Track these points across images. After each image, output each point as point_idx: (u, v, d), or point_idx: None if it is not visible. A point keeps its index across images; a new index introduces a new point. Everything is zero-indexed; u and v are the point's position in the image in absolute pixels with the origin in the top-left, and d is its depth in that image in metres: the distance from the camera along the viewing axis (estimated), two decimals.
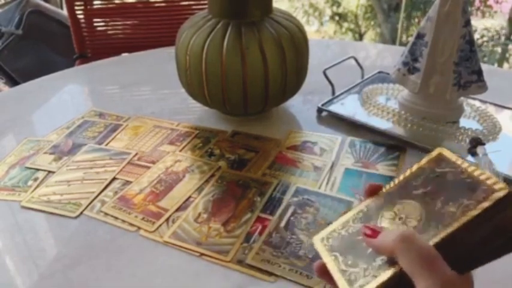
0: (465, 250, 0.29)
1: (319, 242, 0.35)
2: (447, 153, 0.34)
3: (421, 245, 0.28)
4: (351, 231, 0.34)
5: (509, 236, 0.28)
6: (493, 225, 0.28)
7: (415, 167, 0.35)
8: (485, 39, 2.63)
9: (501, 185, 0.28)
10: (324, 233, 0.36)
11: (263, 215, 0.55)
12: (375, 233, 0.31)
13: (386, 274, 0.29)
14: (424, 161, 0.35)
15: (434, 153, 0.35)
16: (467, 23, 0.66)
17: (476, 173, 0.31)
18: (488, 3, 2.66)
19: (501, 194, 0.28)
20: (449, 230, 0.28)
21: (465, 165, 0.32)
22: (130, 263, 0.50)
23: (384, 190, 0.36)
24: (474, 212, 0.28)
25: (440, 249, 0.28)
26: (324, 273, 0.33)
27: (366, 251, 0.32)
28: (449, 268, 0.27)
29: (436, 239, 0.28)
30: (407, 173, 0.35)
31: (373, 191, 0.36)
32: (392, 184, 0.35)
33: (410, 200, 0.33)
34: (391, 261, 0.29)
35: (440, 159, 0.34)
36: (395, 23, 2.80)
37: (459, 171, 0.32)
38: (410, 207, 0.32)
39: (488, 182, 0.29)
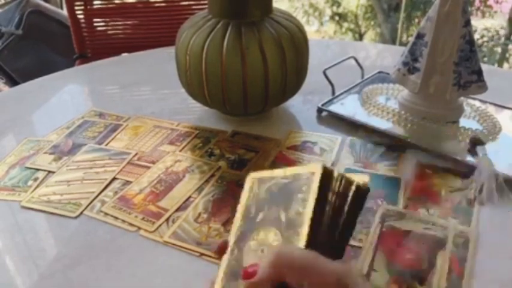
0: (332, 234, 0.30)
1: None
2: (259, 173, 0.35)
3: (291, 256, 0.28)
4: None
5: (351, 200, 0.31)
6: (334, 200, 0.30)
7: (243, 201, 0.35)
8: (485, 39, 2.64)
9: (314, 166, 0.31)
10: None
11: None
12: (252, 268, 0.29)
13: None
14: (245, 191, 0.35)
15: (248, 181, 0.35)
16: (467, 23, 0.66)
17: (293, 171, 0.32)
18: (488, 3, 2.67)
19: (318, 174, 0.30)
20: (305, 225, 0.29)
21: (279, 172, 0.33)
22: (130, 263, 0.50)
23: (231, 241, 0.34)
24: (311, 200, 0.29)
25: (312, 247, 0.28)
26: None
27: None
28: (328, 261, 0.27)
29: (302, 241, 0.29)
30: (240, 210, 0.34)
31: (223, 250, 0.34)
32: (234, 230, 0.34)
33: (259, 231, 0.32)
34: None
35: (259, 180, 0.34)
36: (395, 23, 2.80)
37: (280, 178, 0.33)
38: (263, 235, 0.32)
39: (307, 170, 0.31)
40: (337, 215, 0.30)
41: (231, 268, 0.33)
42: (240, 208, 0.35)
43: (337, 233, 0.31)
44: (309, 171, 0.31)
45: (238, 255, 0.33)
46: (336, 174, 0.31)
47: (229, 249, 0.34)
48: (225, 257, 0.34)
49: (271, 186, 0.33)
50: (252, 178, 0.35)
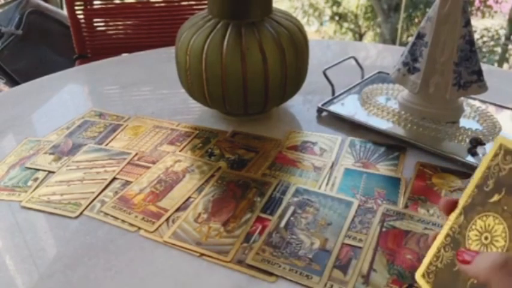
0: None
1: (422, 279, 0.33)
2: (508, 142, 0.29)
3: None
4: (445, 263, 0.31)
5: None
6: None
7: (482, 167, 0.30)
8: (485, 39, 2.64)
9: None
10: (423, 267, 0.33)
11: (263, 215, 0.55)
12: (469, 257, 0.29)
13: None
14: (488, 157, 0.30)
15: (495, 146, 0.29)
16: (467, 23, 0.66)
17: None
18: (488, 3, 2.67)
19: None
20: None
21: None
22: (130, 263, 0.50)
23: (460, 204, 0.32)
24: None
25: None
26: None
27: (466, 283, 0.29)
28: None
29: None
30: (477, 176, 0.31)
31: (450, 207, 0.33)
32: (466, 195, 0.31)
33: (488, 213, 0.29)
34: None
35: (506, 152, 0.29)
36: (395, 23, 2.80)
37: None
38: (491, 221, 0.28)
39: None
40: None
41: (452, 234, 0.31)
42: (479, 170, 0.30)
43: None
44: None
45: (462, 227, 0.30)
46: None
47: (456, 211, 0.32)
48: (452, 217, 0.32)
49: None
50: (500, 144, 0.29)
